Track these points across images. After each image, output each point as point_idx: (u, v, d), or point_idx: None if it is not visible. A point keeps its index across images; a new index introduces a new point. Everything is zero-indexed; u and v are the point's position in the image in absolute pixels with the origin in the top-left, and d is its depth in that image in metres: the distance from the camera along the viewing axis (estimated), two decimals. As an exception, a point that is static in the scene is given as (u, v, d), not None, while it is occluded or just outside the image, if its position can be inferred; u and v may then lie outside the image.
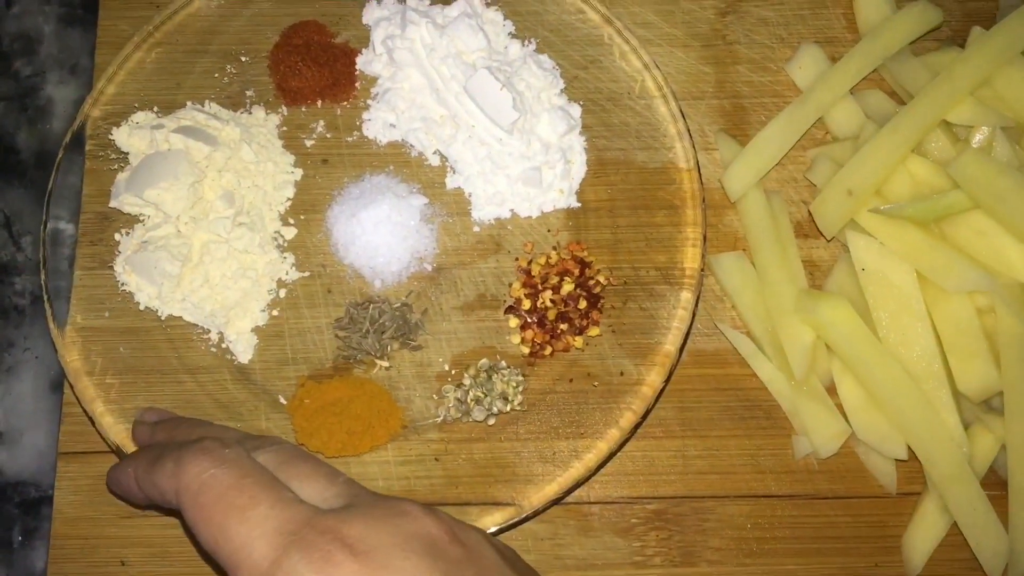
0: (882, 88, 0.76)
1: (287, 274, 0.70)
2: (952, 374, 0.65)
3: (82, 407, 0.65)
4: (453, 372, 0.68)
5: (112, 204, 0.69)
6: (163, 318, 0.68)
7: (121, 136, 0.70)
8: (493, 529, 0.63)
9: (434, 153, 0.73)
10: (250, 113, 0.73)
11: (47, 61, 0.80)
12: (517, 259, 0.71)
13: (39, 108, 0.79)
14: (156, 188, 0.66)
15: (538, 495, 0.64)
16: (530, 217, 0.72)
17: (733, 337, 0.70)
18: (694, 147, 0.72)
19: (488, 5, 0.76)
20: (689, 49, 0.78)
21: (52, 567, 0.65)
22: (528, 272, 0.70)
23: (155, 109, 0.72)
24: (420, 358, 0.68)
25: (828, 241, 0.72)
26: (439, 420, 0.67)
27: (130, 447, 0.64)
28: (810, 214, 0.72)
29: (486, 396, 0.66)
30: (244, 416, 0.66)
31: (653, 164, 0.73)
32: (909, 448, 0.66)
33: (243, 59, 0.75)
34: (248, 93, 0.74)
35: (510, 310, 0.69)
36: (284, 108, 0.74)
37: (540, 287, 0.69)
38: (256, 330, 0.68)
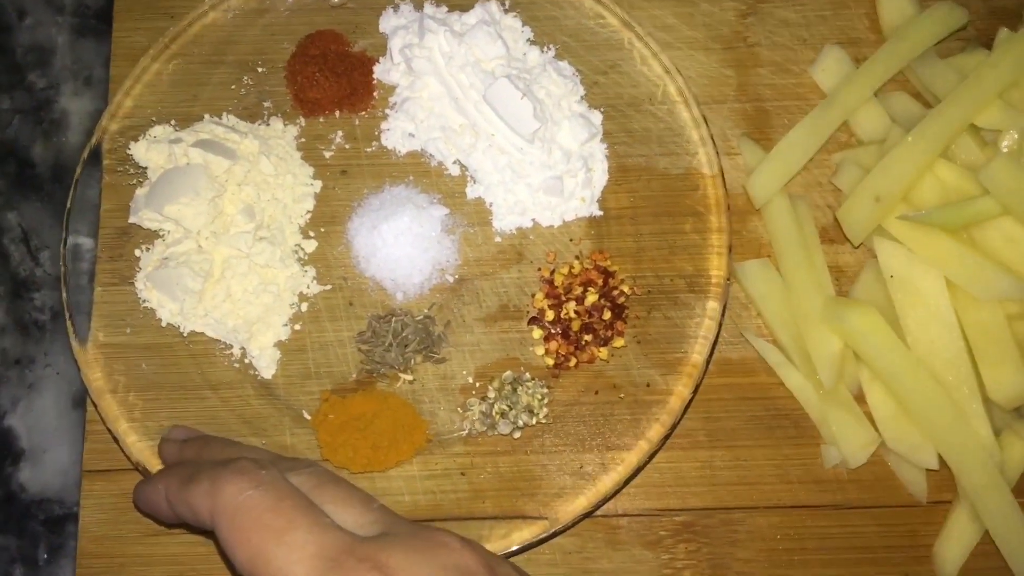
0: (906, 90, 0.75)
1: (308, 287, 0.69)
2: (983, 382, 0.65)
3: (106, 426, 0.65)
4: (477, 385, 0.68)
5: (132, 220, 0.68)
6: (185, 334, 0.67)
7: (139, 151, 0.69)
8: (521, 545, 0.63)
9: (454, 163, 0.72)
10: (268, 124, 0.73)
11: (61, 73, 0.79)
12: (539, 269, 0.70)
13: (54, 121, 0.78)
14: (176, 203, 0.66)
15: (567, 509, 0.63)
16: (552, 226, 0.71)
17: (760, 346, 0.69)
18: (717, 153, 0.71)
19: (506, 11, 0.75)
20: (710, 52, 0.77)
21: (79, 586, 0.65)
22: (551, 282, 0.69)
23: (172, 122, 0.72)
24: (444, 371, 0.68)
25: (855, 248, 0.71)
26: (464, 433, 0.66)
27: (155, 465, 0.63)
28: (835, 219, 0.71)
29: (511, 409, 0.65)
30: (268, 431, 0.66)
31: (676, 170, 0.72)
32: (940, 457, 0.65)
33: (260, 70, 0.74)
34: (265, 104, 0.73)
35: (533, 321, 0.69)
36: (302, 119, 0.73)
37: (563, 298, 0.68)
38: (279, 345, 0.68)
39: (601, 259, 0.70)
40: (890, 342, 0.65)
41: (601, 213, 0.72)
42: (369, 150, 0.73)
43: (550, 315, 0.68)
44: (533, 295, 0.69)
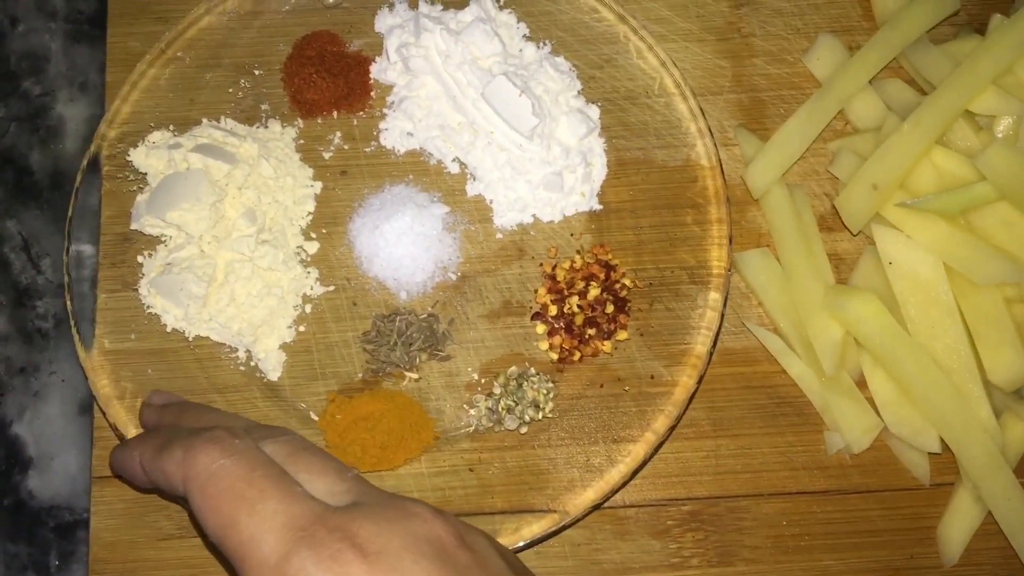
0: (900, 76, 0.75)
1: (312, 289, 0.70)
2: (982, 365, 0.65)
3: (115, 432, 0.65)
4: (483, 381, 0.68)
5: (133, 226, 0.68)
6: (190, 339, 0.68)
7: (138, 157, 0.69)
8: (531, 539, 0.63)
9: (453, 160, 0.73)
10: (266, 127, 0.73)
11: (56, 79, 0.79)
12: (541, 264, 0.71)
13: (50, 128, 0.78)
14: (178, 209, 0.66)
15: (576, 502, 0.64)
16: (552, 221, 0.72)
17: (761, 335, 0.70)
18: (715, 144, 0.72)
19: (501, 8, 0.75)
20: (704, 44, 0.77)
21: (92, 591, 0.66)
22: (553, 277, 0.70)
23: (171, 127, 0.72)
24: (449, 368, 0.68)
25: (854, 235, 0.72)
26: (471, 430, 0.67)
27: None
28: (833, 207, 0.72)
29: (517, 405, 0.66)
30: (276, 434, 0.66)
31: (674, 163, 0.72)
32: (942, 440, 0.66)
33: (256, 72, 0.74)
34: (263, 107, 0.73)
35: (537, 316, 0.69)
36: (300, 120, 0.73)
37: (566, 292, 0.69)
38: (284, 347, 0.68)
39: (602, 253, 0.70)
40: (891, 328, 0.65)
41: (601, 207, 0.72)
42: (368, 150, 0.73)
43: (553, 310, 0.68)
44: (536, 290, 0.70)
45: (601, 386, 0.68)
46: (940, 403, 0.64)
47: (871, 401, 0.68)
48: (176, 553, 0.66)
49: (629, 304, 0.69)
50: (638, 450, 0.65)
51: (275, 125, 0.73)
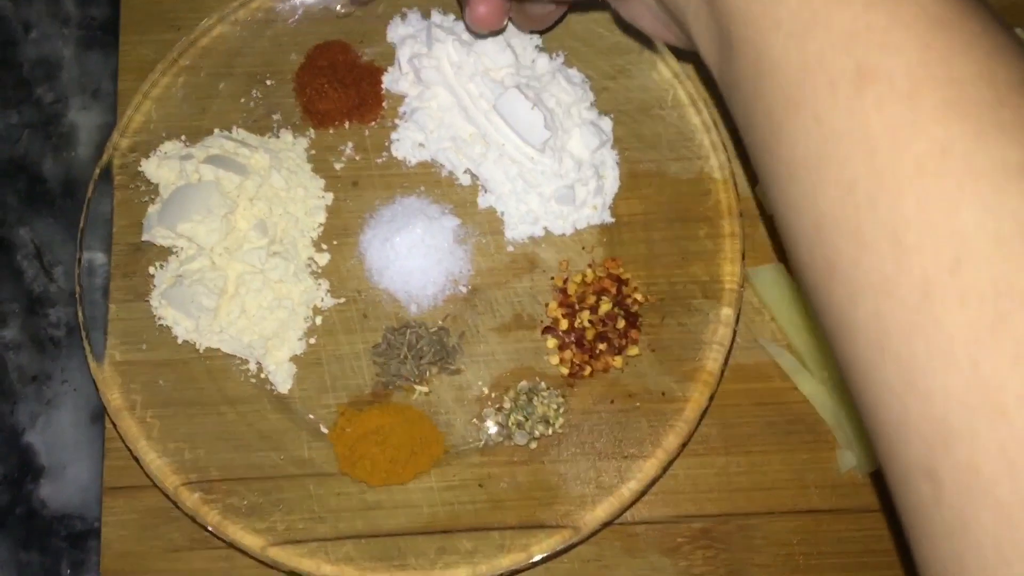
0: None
1: (322, 301, 0.69)
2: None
3: (125, 445, 0.65)
4: (493, 395, 0.68)
5: (145, 238, 0.68)
6: (201, 350, 0.68)
7: (150, 167, 0.69)
8: (542, 555, 0.63)
9: (465, 172, 0.72)
10: (277, 137, 0.73)
11: (69, 86, 0.79)
12: (552, 278, 0.70)
13: (63, 135, 0.78)
14: (189, 221, 0.66)
15: (587, 519, 0.64)
16: (564, 234, 0.71)
17: (774, 351, 0.69)
18: (728, 158, 0.71)
19: (514, 18, 0.74)
20: (719, 54, 0.77)
21: (103, 602, 0.66)
22: (564, 291, 0.69)
23: (183, 138, 0.72)
24: (459, 382, 0.68)
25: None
26: (481, 444, 0.67)
27: (174, 482, 0.64)
28: (848, 222, 0.71)
29: (527, 420, 0.66)
30: (286, 446, 0.66)
31: (687, 176, 0.72)
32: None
33: (268, 82, 0.74)
34: (275, 117, 0.73)
35: (547, 330, 0.69)
36: (311, 130, 0.73)
37: (577, 307, 0.68)
38: (294, 359, 0.68)
39: (614, 267, 0.70)
40: (905, 347, 0.65)
41: (613, 220, 0.71)
42: (379, 161, 0.73)
43: (564, 324, 0.68)
44: (547, 304, 0.70)
45: (612, 401, 0.67)
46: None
47: (884, 419, 0.67)
48: (187, 565, 0.66)
49: (641, 319, 0.69)
50: (649, 467, 0.65)
51: (287, 135, 0.73)
